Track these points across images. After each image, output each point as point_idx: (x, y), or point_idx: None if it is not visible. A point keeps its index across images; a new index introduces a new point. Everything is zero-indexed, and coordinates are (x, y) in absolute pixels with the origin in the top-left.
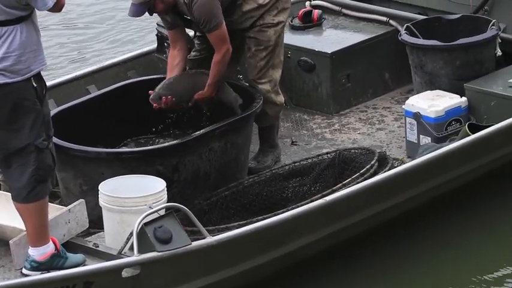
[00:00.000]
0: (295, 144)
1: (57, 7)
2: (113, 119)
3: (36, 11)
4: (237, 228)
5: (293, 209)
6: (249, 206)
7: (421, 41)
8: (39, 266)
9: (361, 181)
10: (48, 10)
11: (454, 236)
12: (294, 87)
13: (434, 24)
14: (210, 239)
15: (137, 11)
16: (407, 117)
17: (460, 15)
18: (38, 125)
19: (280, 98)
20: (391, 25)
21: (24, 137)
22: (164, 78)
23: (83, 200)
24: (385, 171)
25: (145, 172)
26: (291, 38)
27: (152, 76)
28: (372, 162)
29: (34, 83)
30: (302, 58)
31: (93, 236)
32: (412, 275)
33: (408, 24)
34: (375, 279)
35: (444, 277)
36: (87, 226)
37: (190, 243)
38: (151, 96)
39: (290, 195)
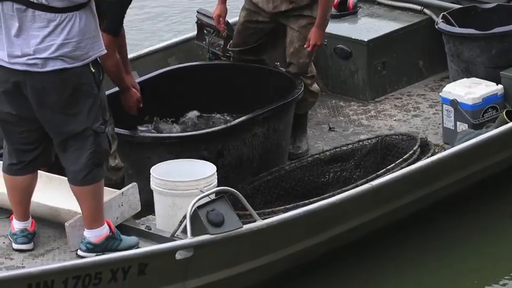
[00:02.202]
0: (333, 130)
1: None
2: (156, 104)
3: None
4: (283, 212)
5: (339, 193)
6: (291, 190)
7: (458, 30)
8: (94, 248)
9: (405, 166)
10: None
11: (491, 222)
12: (330, 75)
13: (469, 13)
14: (260, 222)
15: None
16: (444, 104)
17: (495, 4)
18: (96, 110)
19: (318, 86)
20: (426, 14)
21: (83, 121)
22: (203, 65)
23: (135, 183)
24: (428, 157)
25: (191, 157)
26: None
27: (192, 63)
28: (415, 148)
29: (92, 68)
30: (338, 46)
31: (142, 219)
32: (452, 258)
33: (444, 13)
34: (412, 263)
35: (478, 264)
36: (140, 209)
37: (242, 226)
38: None
39: (331, 180)
